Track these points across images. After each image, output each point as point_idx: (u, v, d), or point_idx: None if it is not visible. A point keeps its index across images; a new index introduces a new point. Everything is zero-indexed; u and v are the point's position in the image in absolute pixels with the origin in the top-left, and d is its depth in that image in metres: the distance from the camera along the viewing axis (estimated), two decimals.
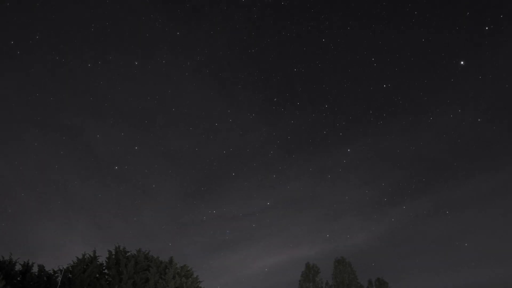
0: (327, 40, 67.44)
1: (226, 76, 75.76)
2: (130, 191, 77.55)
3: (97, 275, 28.97)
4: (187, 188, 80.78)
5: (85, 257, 29.20)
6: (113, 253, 30.69)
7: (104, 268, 29.92)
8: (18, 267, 25.79)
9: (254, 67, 75.46)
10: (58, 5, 62.45)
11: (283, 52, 73.91)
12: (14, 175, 67.02)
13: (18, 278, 25.30)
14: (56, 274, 27.10)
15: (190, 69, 72.09)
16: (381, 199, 73.41)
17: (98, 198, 73.85)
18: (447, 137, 70.46)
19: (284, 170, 79.87)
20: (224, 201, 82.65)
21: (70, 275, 27.48)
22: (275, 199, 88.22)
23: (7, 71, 63.77)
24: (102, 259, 30.16)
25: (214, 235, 77.88)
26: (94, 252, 29.79)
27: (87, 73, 68.65)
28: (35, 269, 26.57)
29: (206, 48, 71.55)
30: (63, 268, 27.09)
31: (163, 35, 68.73)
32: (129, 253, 31.14)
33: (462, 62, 61.88)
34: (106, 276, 29.57)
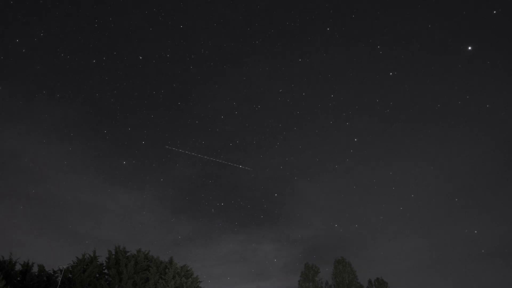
0: (332, 29, 66.65)
1: (230, 69, 75.30)
2: (138, 186, 77.85)
3: (97, 275, 28.97)
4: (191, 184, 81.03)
5: (85, 257, 29.20)
6: (113, 253, 30.68)
7: (104, 268, 29.92)
8: (18, 267, 25.81)
9: (258, 59, 74.90)
10: (62, 2, 62.32)
11: (287, 43, 73.01)
12: (22, 172, 67.45)
13: (18, 278, 25.30)
14: (56, 274, 27.10)
15: (195, 62, 71.77)
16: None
17: (107, 193, 74.14)
18: (455, 124, 69.66)
19: (291, 161, 79.62)
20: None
21: (70, 275, 27.49)
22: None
23: (13, 69, 63.97)
24: (102, 259, 30.23)
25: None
26: (94, 252, 29.79)
27: (92, 69, 68.73)
28: (35, 269, 26.59)
29: (210, 40, 71.20)
30: (63, 268, 27.07)
31: (166, 28, 68.48)
32: (129, 253, 31.14)
33: (469, 47, 60.29)
34: (106, 276, 29.57)
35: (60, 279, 26.52)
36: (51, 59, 66.10)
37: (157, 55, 70.92)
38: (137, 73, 73.47)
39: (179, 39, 70.47)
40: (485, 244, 65.90)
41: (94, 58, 66.38)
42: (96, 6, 63.52)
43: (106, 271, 30.04)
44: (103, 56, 66.97)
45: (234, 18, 68.98)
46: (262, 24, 69.34)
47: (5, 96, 65.53)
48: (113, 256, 30.44)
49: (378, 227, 74.99)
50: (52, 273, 27.07)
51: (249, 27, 69.17)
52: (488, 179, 70.25)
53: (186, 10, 67.86)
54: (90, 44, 67.35)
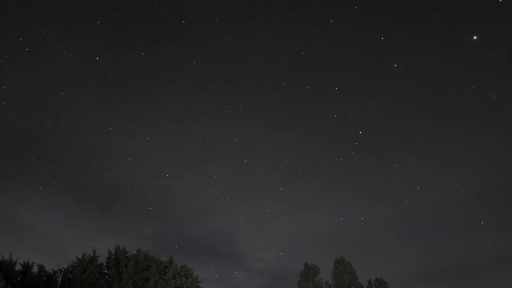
0: (335, 21, 65.78)
1: (233, 63, 74.81)
2: (144, 181, 77.76)
3: (97, 275, 28.97)
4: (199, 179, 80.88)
5: (85, 257, 29.21)
6: (113, 253, 30.68)
7: (104, 268, 29.92)
8: (18, 267, 25.82)
9: (262, 52, 74.25)
10: (63, 0, 62.10)
11: (290, 36, 72.16)
12: (29, 169, 67.57)
13: (18, 278, 25.32)
14: (56, 274, 27.12)
15: (198, 57, 71.35)
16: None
17: (114, 189, 74.13)
18: (460, 114, 68.76)
19: (296, 155, 78.86)
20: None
21: (70, 275, 27.50)
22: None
23: (17, 68, 63.97)
24: (102, 259, 30.24)
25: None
26: (94, 252, 29.81)
27: (95, 66, 68.66)
28: (35, 269, 26.61)
29: (212, 35, 70.89)
30: (63, 268, 27.10)
31: (169, 24, 68.12)
32: (129, 253, 31.14)
33: (474, 37, 59.33)
34: (106, 276, 29.58)
35: (60, 279, 26.53)
36: (55, 57, 66.09)
37: (160, 51, 70.82)
38: (141, 69, 73.33)
39: (182, 34, 70.30)
40: (491, 236, 65.69)
41: (97, 55, 66.20)
42: (98, 3, 63.39)
43: (106, 271, 30.05)
44: (106, 53, 66.83)
45: (236, 12, 68.60)
46: (264, 18, 68.85)
47: (10, 95, 65.62)
48: (113, 256, 30.44)
49: (383, 220, 74.96)
50: (52, 273, 27.09)
51: (251, 21, 68.66)
52: (494, 169, 69.92)
53: (187, 5, 67.57)
54: (93, 42, 67.40)
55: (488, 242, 62.29)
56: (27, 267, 25.95)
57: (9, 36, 60.80)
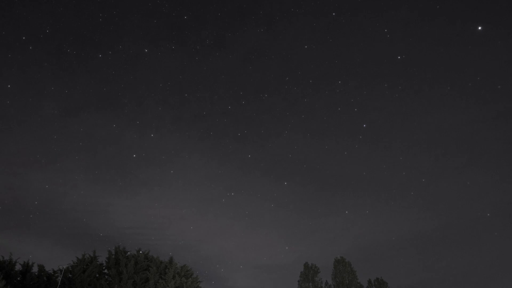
0: (337, 13, 65.23)
1: (236, 58, 74.27)
2: (149, 178, 77.58)
3: (97, 275, 28.99)
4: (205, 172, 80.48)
5: (85, 257, 29.22)
6: (113, 253, 30.70)
7: (104, 268, 29.94)
8: (18, 267, 25.85)
9: (264, 47, 73.71)
10: None
11: (293, 29, 71.72)
12: (34, 167, 67.52)
13: (18, 278, 25.33)
14: (56, 274, 27.13)
15: (200, 53, 71.07)
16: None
17: (118, 186, 73.99)
18: (466, 106, 68.15)
19: (300, 149, 78.61)
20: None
21: (70, 275, 27.51)
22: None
23: (20, 67, 63.97)
24: (102, 259, 30.26)
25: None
26: (94, 252, 29.84)
27: (98, 64, 68.53)
28: (35, 269, 26.63)
29: (214, 31, 70.59)
30: (63, 268, 27.11)
31: (171, 20, 67.86)
32: (129, 253, 31.16)
33: (479, 28, 58.40)
34: (106, 276, 29.60)
35: (60, 279, 26.54)
36: (58, 55, 66.10)
37: (162, 47, 70.67)
38: (144, 66, 73.18)
39: (184, 30, 70.14)
40: (498, 228, 65.41)
41: (99, 52, 66.09)
42: (99, 0, 63.36)
43: (106, 271, 30.07)
44: (109, 50, 66.75)
45: (238, 6, 68.36)
46: (266, 12, 68.47)
47: (14, 94, 65.55)
48: (113, 256, 30.47)
49: (387, 214, 74.37)
50: (52, 273, 27.09)
51: (254, 15, 68.33)
52: (500, 161, 69.30)
53: (188, 1, 67.44)
54: (95, 39, 67.28)
55: (495, 234, 61.78)
56: (27, 267, 25.95)
57: (12, 36, 60.83)
